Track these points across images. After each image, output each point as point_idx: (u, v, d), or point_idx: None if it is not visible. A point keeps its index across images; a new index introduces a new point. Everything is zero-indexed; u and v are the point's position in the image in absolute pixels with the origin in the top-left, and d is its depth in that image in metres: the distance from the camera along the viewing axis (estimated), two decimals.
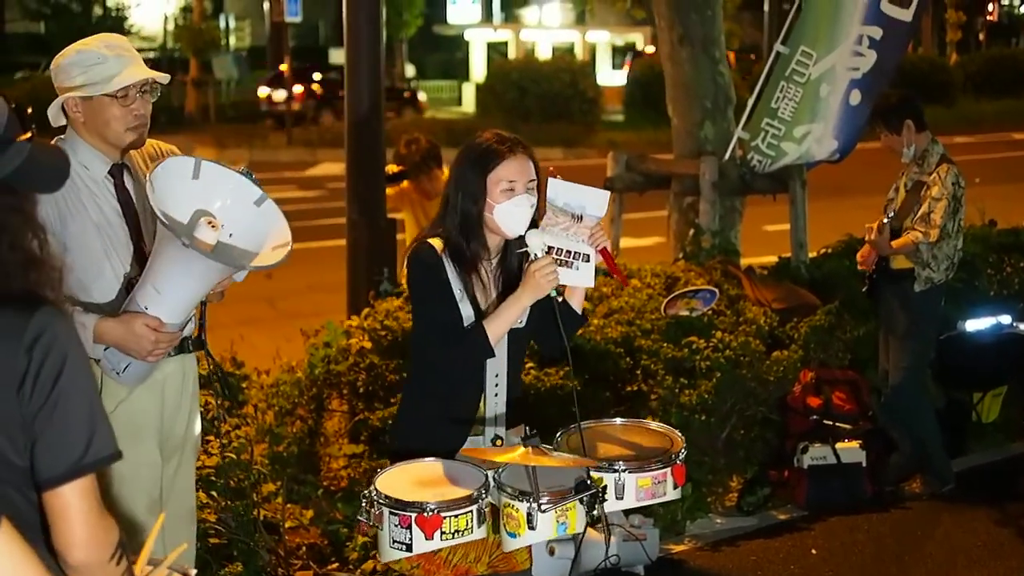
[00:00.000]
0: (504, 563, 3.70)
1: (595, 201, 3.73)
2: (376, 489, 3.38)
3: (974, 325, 7.20)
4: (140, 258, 3.72)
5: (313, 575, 5.32)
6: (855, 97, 8.21)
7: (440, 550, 3.49)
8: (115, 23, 35.29)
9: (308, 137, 26.11)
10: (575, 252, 3.69)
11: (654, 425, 3.98)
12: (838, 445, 6.39)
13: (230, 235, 3.60)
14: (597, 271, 3.81)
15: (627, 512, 5.48)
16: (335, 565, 5.43)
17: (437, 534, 3.29)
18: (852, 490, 6.38)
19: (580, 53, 38.72)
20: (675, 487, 3.62)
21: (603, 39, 41.35)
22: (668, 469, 3.58)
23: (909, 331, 6.41)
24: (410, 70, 38.13)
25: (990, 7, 48.44)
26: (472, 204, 3.64)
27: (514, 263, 3.76)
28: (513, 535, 3.39)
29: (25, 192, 2.30)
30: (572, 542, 5.15)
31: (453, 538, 3.32)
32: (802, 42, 8.26)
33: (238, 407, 5.95)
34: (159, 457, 3.88)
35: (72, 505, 2.24)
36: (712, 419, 6.20)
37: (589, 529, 5.24)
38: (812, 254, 8.66)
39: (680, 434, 3.80)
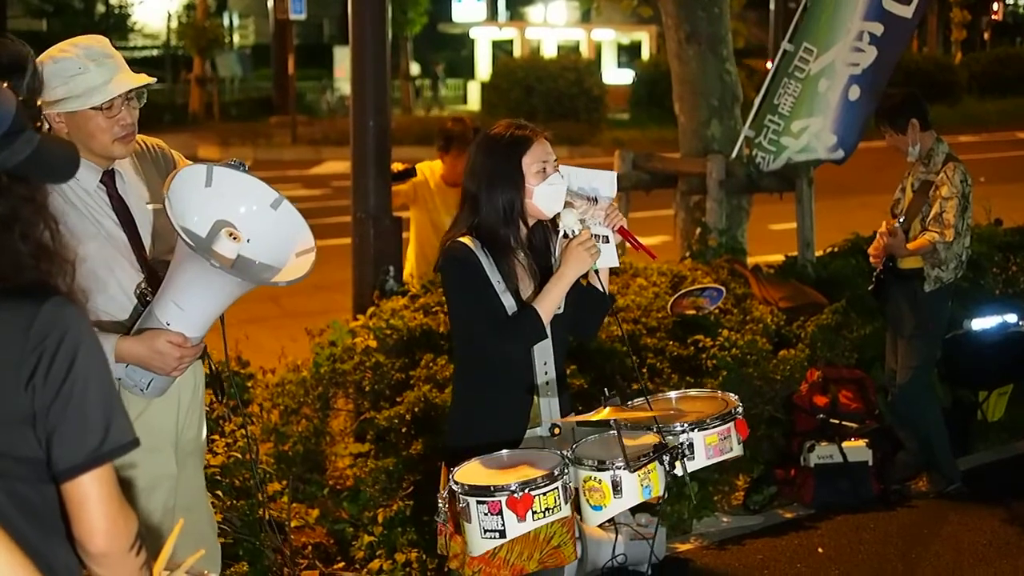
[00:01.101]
0: (552, 558, 3.72)
1: (605, 182, 3.86)
2: (459, 482, 3.36)
3: (980, 324, 7.19)
4: (144, 266, 3.66)
5: (319, 575, 5.31)
6: (854, 92, 8.23)
7: (499, 550, 3.52)
8: (118, 21, 35.30)
9: (313, 135, 26.12)
10: (595, 235, 3.77)
11: (703, 392, 4.11)
12: (844, 444, 6.38)
13: (247, 240, 3.54)
14: (619, 251, 3.91)
15: (634, 511, 5.47)
16: (341, 564, 5.42)
17: (529, 514, 3.29)
18: (858, 489, 6.37)
19: (585, 51, 38.69)
20: (739, 442, 3.68)
21: (609, 37, 41.32)
22: (732, 424, 3.65)
23: (917, 331, 6.39)
24: (415, 68, 38.12)
25: (995, 6, 48.31)
26: (515, 193, 3.69)
27: (541, 245, 3.82)
28: (598, 507, 3.41)
29: (36, 182, 2.30)
30: (579, 541, 5.15)
31: (544, 516, 3.32)
32: (805, 39, 8.29)
33: (243, 406, 5.94)
34: (175, 467, 3.86)
35: (91, 495, 2.25)
36: None
37: (595, 528, 5.26)
38: (818, 253, 8.65)
39: (732, 395, 3.88)
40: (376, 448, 5.89)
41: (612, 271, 3.95)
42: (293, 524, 5.46)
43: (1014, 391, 7.38)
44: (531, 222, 3.78)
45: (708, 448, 3.58)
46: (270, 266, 3.57)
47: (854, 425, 6.45)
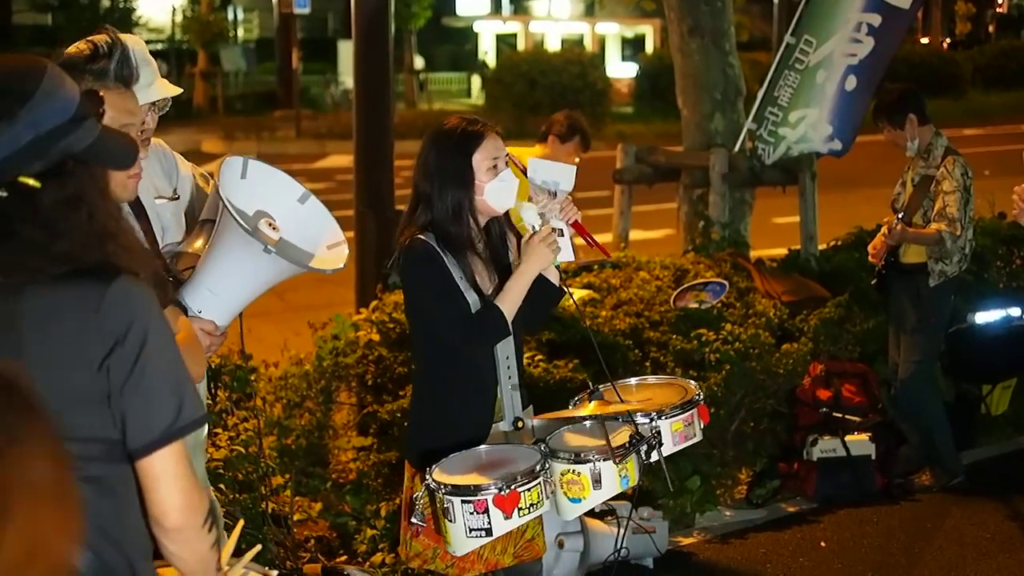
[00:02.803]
0: (527, 551, 3.73)
1: (566, 176, 3.84)
2: (440, 483, 3.34)
3: (984, 318, 7.17)
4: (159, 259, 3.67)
5: (321, 568, 5.31)
6: (851, 83, 8.26)
7: None
8: (122, 15, 35.17)
9: (317, 129, 26.10)
10: (552, 228, 3.75)
11: (661, 378, 4.18)
12: (848, 438, 6.38)
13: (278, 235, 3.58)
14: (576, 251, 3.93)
15: (636, 504, 5.47)
16: (343, 558, 5.43)
17: (515, 512, 3.28)
18: (861, 483, 6.36)
19: (589, 45, 38.64)
20: (700, 426, 3.73)
21: (612, 31, 41.27)
22: (694, 410, 3.70)
23: (919, 325, 6.39)
24: (419, 62, 38.04)
25: None
26: (462, 190, 3.68)
27: (497, 241, 3.81)
28: (577, 500, 3.41)
29: (100, 168, 2.34)
30: (581, 535, 5.16)
31: (529, 512, 3.32)
32: (805, 31, 8.31)
33: (246, 399, 5.94)
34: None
35: (167, 470, 2.28)
36: (721, 412, 6.19)
37: (598, 522, 5.27)
38: (822, 246, 8.64)
39: (691, 382, 3.94)
40: (379, 441, 5.89)
41: (611, 265, 3.96)
42: (296, 517, 5.46)
43: (1018, 385, 7.37)
44: (484, 219, 3.76)
45: (675, 435, 3.62)
46: (308, 254, 3.59)
47: (857, 419, 6.44)
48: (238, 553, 2.71)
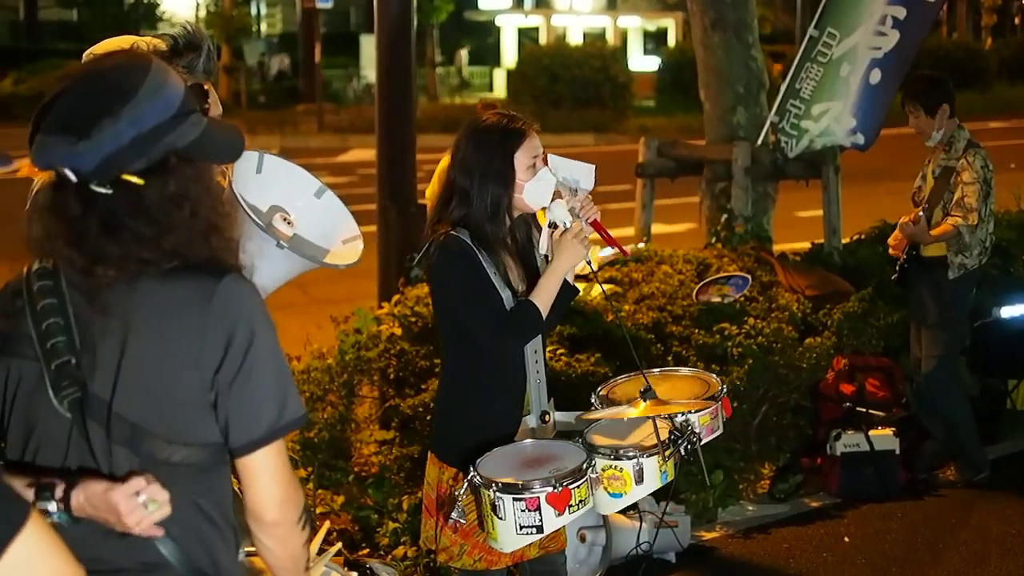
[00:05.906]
0: (553, 543, 3.74)
1: (585, 174, 3.82)
2: (490, 480, 3.33)
3: (1009, 312, 7.14)
4: None
5: (343, 561, 5.32)
6: (875, 76, 8.23)
7: None
8: (147, 9, 35.39)
9: (339, 123, 26.15)
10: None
11: (684, 371, 4.20)
12: (871, 432, 6.35)
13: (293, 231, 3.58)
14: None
15: (658, 499, 5.46)
16: (365, 551, 5.43)
17: (567, 509, 3.29)
18: (885, 478, 6.34)
19: (611, 39, 38.60)
20: (723, 419, 3.75)
21: (634, 24, 41.23)
22: (719, 404, 3.72)
23: (940, 320, 6.35)
24: (463, 55, 38.14)
25: None
26: (503, 188, 3.64)
27: (524, 238, 3.80)
28: (618, 495, 3.42)
29: (203, 163, 2.35)
30: (603, 529, 5.16)
31: (579, 508, 3.33)
32: (829, 23, 8.29)
33: None
34: None
35: (268, 467, 2.30)
36: (744, 406, 6.17)
37: (620, 516, 5.26)
38: (845, 240, 8.62)
39: (712, 375, 3.96)
40: (401, 435, 5.90)
41: (633, 259, 3.93)
42: (318, 511, 5.47)
43: None
44: (515, 215, 3.75)
45: (702, 428, 3.62)
46: (322, 249, 3.58)
47: (881, 413, 6.42)
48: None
